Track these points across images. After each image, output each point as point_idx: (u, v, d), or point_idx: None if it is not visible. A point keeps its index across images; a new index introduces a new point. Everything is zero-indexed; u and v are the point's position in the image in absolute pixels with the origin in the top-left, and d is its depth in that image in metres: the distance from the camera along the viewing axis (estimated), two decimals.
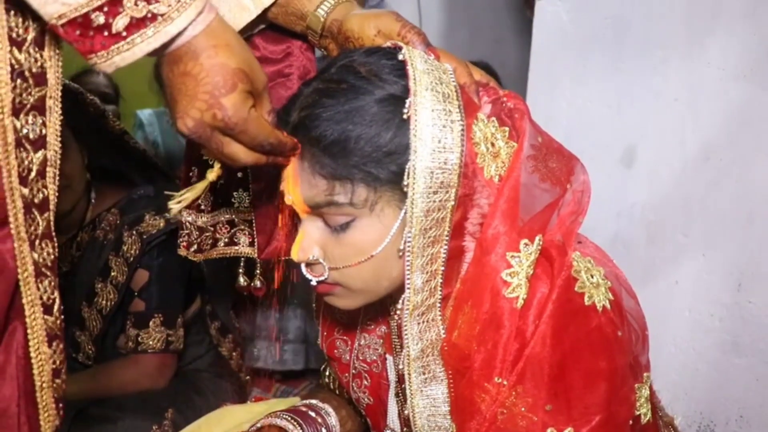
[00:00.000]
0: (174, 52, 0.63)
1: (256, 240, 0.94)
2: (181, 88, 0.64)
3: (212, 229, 0.95)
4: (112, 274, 1.52)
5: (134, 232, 1.51)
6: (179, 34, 0.61)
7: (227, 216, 0.94)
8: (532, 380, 0.72)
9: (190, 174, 0.92)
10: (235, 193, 0.93)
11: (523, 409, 0.73)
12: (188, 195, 0.73)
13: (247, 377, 1.82)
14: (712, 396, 1.36)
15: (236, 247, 0.95)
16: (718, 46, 1.30)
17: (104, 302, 1.53)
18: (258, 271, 0.94)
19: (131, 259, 1.51)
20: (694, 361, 1.39)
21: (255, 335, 1.95)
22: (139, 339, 1.52)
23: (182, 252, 0.96)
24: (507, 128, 0.77)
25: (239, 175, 0.91)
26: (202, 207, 0.94)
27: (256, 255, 0.94)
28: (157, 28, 0.60)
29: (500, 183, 0.75)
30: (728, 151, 1.31)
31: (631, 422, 0.78)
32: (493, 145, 0.76)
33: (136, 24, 0.59)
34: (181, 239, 0.96)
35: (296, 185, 0.74)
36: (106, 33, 0.59)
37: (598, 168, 1.45)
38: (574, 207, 0.80)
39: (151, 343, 1.52)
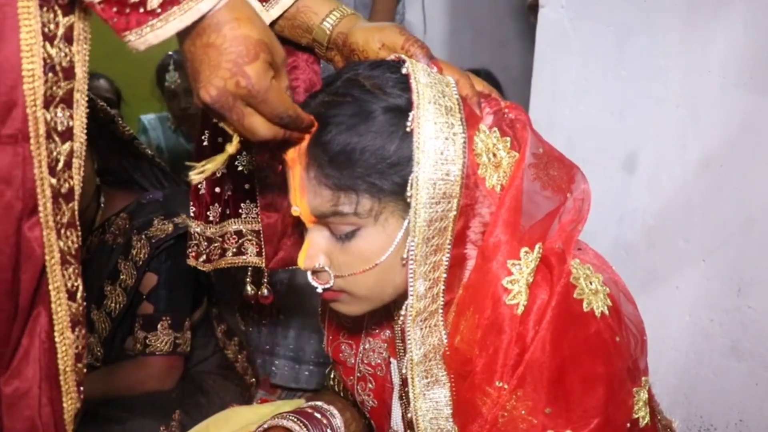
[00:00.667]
0: (197, 26, 0.64)
1: (263, 250, 0.95)
2: (203, 59, 0.65)
3: (220, 239, 0.96)
4: (121, 277, 1.54)
5: (143, 236, 1.53)
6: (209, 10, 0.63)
7: (235, 227, 0.95)
8: (532, 384, 0.74)
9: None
10: (242, 204, 0.95)
11: (523, 412, 0.74)
12: (209, 166, 0.73)
13: (253, 379, 1.84)
14: (712, 400, 1.36)
15: (244, 257, 0.96)
16: (719, 54, 1.30)
17: (113, 305, 1.55)
18: (265, 280, 0.95)
19: (140, 262, 1.52)
20: (694, 366, 1.39)
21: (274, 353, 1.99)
22: (147, 341, 1.53)
23: (191, 262, 0.97)
24: (509, 138, 0.78)
25: (246, 186, 0.92)
26: (211, 218, 0.95)
27: (263, 264, 0.96)
28: (189, 5, 0.61)
29: (502, 192, 0.76)
30: (728, 157, 1.31)
31: (629, 425, 0.79)
32: (494, 155, 0.77)
33: (170, 1, 0.61)
34: (190, 249, 0.97)
35: (303, 196, 0.75)
36: (141, 10, 0.60)
37: (600, 173, 1.46)
38: (574, 215, 0.81)
39: (158, 345, 1.53)
